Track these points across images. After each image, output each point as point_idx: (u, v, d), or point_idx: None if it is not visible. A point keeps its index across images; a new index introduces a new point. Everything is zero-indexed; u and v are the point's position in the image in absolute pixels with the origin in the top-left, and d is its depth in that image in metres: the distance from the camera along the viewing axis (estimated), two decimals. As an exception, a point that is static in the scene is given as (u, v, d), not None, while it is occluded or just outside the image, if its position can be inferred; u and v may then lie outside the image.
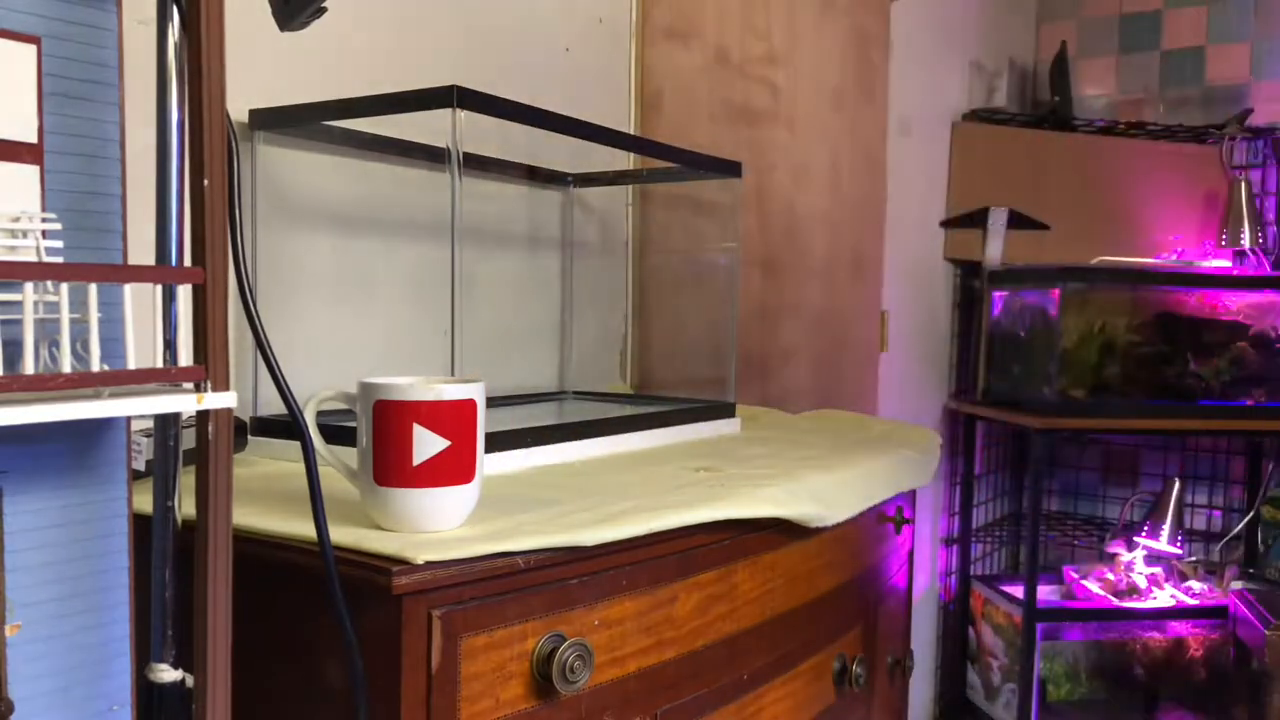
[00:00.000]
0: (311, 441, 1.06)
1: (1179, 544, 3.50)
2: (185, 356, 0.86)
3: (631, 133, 2.09)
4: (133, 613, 0.91)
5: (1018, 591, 3.47)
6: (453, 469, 1.09)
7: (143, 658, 0.93)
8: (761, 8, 2.35)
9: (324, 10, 1.21)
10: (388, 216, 1.88)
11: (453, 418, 1.09)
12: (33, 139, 0.82)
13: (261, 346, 1.03)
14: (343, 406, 1.13)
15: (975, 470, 3.81)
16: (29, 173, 0.82)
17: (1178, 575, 3.54)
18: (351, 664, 1.01)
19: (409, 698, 1.02)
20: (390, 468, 1.08)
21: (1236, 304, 3.29)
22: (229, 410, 0.87)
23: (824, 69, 2.43)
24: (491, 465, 1.44)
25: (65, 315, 0.75)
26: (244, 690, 0.93)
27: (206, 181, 0.84)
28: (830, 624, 1.61)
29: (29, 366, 0.75)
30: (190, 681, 0.90)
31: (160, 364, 0.89)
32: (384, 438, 1.08)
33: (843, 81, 2.48)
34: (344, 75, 1.61)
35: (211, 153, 0.85)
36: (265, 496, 1.24)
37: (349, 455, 1.14)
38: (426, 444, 1.07)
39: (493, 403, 1.98)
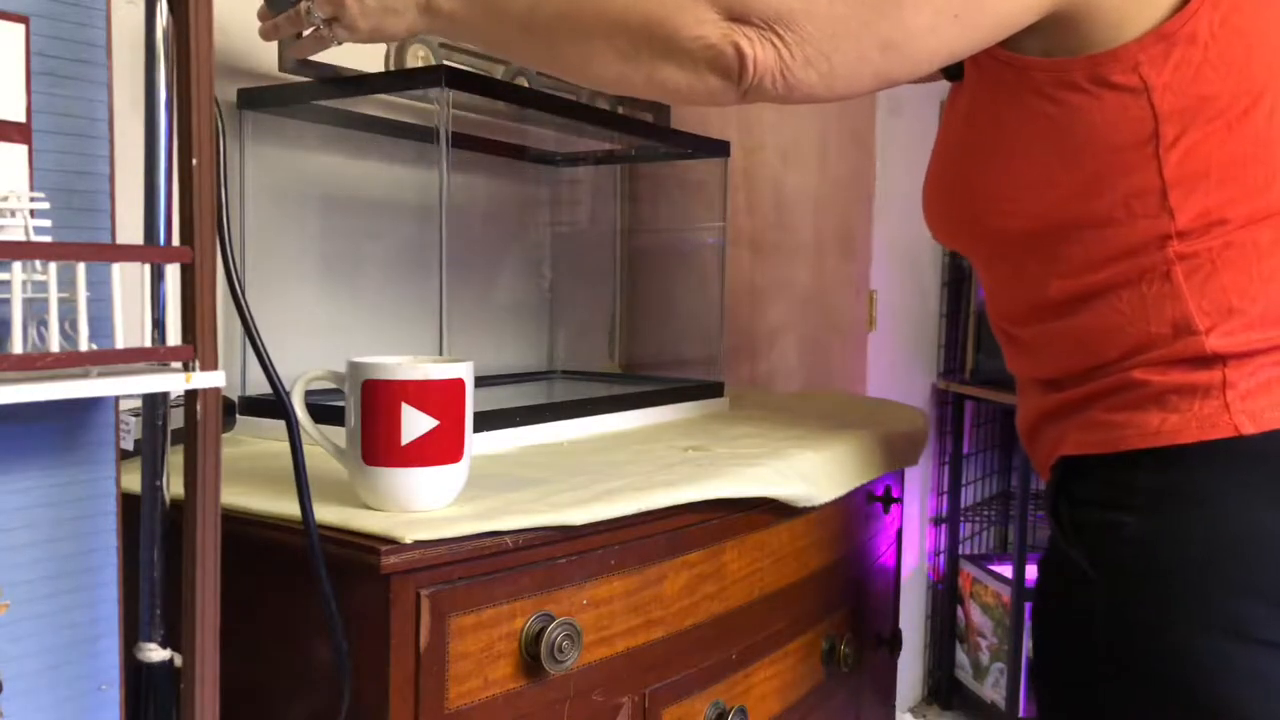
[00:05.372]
0: (297, 421, 1.06)
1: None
2: (173, 336, 0.86)
3: (619, 112, 2.09)
4: (121, 592, 0.91)
5: (1006, 571, 3.48)
6: (441, 448, 1.10)
7: (131, 637, 0.93)
8: (751, -13, 2.35)
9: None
10: (376, 196, 1.87)
11: (441, 397, 1.09)
12: (21, 118, 0.82)
13: (247, 326, 1.03)
14: (331, 386, 1.13)
15: (964, 449, 3.82)
16: (17, 152, 0.82)
17: (1164, 554, 3.55)
18: (336, 643, 1.01)
19: (397, 677, 1.02)
20: (379, 447, 1.08)
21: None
22: (217, 390, 0.87)
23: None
24: (480, 445, 1.44)
25: (53, 295, 0.75)
26: (232, 670, 0.93)
27: (195, 161, 0.84)
28: (818, 604, 1.62)
29: (17, 346, 0.75)
30: (179, 661, 0.90)
31: (148, 343, 0.89)
32: (372, 417, 1.08)
33: (831, 61, 2.47)
34: (332, 53, 1.60)
35: (199, 132, 0.84)
36: (253, 476, 1.24)
37: (338, 435, 1.14)
38: (415, 423, 1.07)
39: (481, 382, 1.98)
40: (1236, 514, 1.06)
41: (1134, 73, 1.07)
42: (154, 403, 0.93)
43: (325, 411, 1.45)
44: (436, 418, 1.09)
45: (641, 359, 2.41)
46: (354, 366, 1.09)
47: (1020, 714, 3.37)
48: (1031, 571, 3.35)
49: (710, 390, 1.96)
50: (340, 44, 1.32)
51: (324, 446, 1.14)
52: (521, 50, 1.23)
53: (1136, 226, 1.10)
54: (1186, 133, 1.07)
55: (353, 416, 1.10)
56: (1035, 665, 1.26)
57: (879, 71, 1.09)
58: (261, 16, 1.37)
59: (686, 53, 1.09)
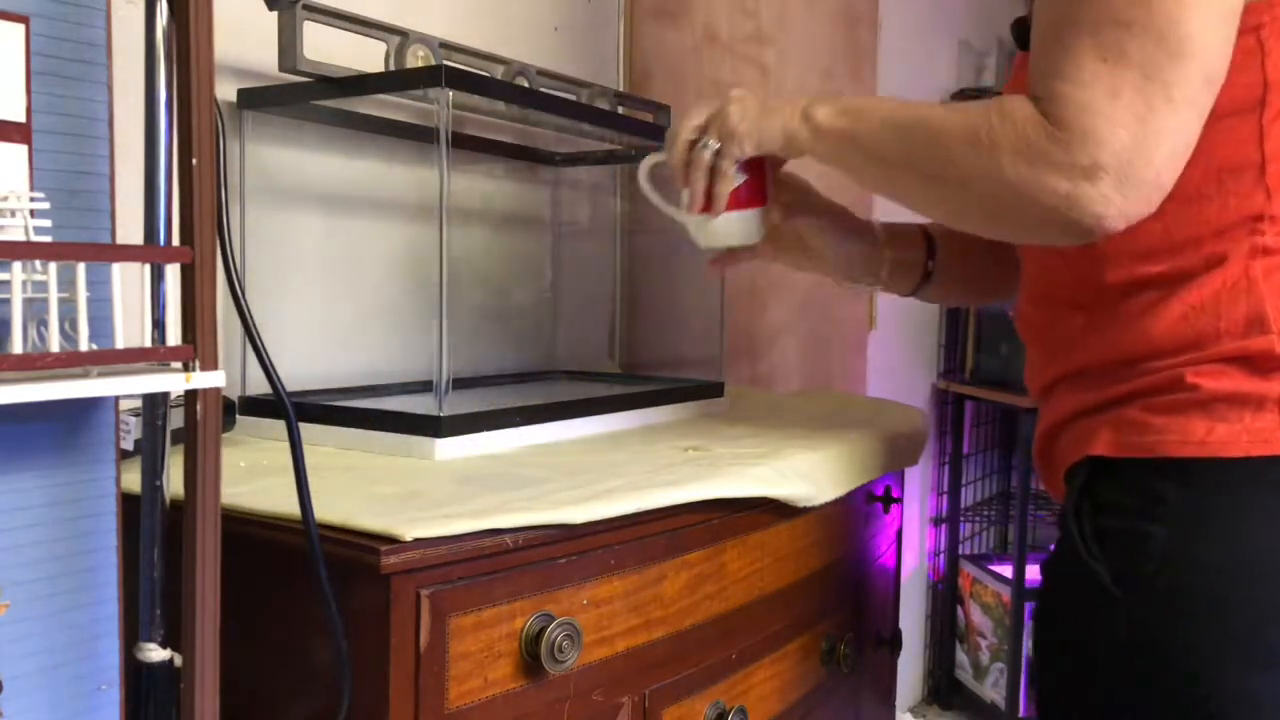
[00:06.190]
0: (296, 421, 1.06)
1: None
2: (174, 336, 0.86)
3: (619, 112, 2.09)
4: (121, 592, 0.91)
5: (1006, 571, 3.48)
6: (753, 195, 1.36)
7: (131, 637, 0.93)
8: (751, -13, 2.35)
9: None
10: (376, 195, 1.87)
11: (750, 160, 1.33)
12: (21, 118, 0.82)
13: (247, 326, 1.03)
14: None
15: (964, 450, 3.82)
16: (17, 152, 0.82)
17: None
18: (336, 643, 1.01)
19: (397, 677, 1.02)
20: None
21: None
22: (217, 390, 0.87)
23: (813, 48, 2.43)
24: (481, 445, 1.44)
25: (54, 295, 0.75)
26: (232, 670, 0.93)
27: (195, 161, 0.84)
28: (818, 604, 1.62)
29: (17, 346, 0.75)
30: (179, 661, 0.90)
31: (149, 343, 0.89)
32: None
33: (831, 61, 2.47)
34: (332, 53, 1.61)
35: (199, 132, 0.84)
36: (253, 476, 1.24)
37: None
38: (736, 180, 1.33)
39: (481, 382, 1.99)
40: (1275, 540, 1.00)
41: (1253, 33, 1.01)
42: (154, 403, 0.93)
43: (325, 411, 1.46)
44: (746, 173, 1.34)
45: (641, 359, 2.41)
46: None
47: (1020, 714, 3.37)
48: (1032, 572, 3.35)
49: (710, 390, 1.96)
50: (736, 184, 1.35)
51: (666, 210, 1.43)
52: (865, 176, 1.24)
53: (1227, 204, 1.04)
54: None
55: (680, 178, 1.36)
56: (1041, 681, 1.19)
57: (1204, 112, 1.00)
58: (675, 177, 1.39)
59: (1037, 222, 1.05)
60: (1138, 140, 0.97)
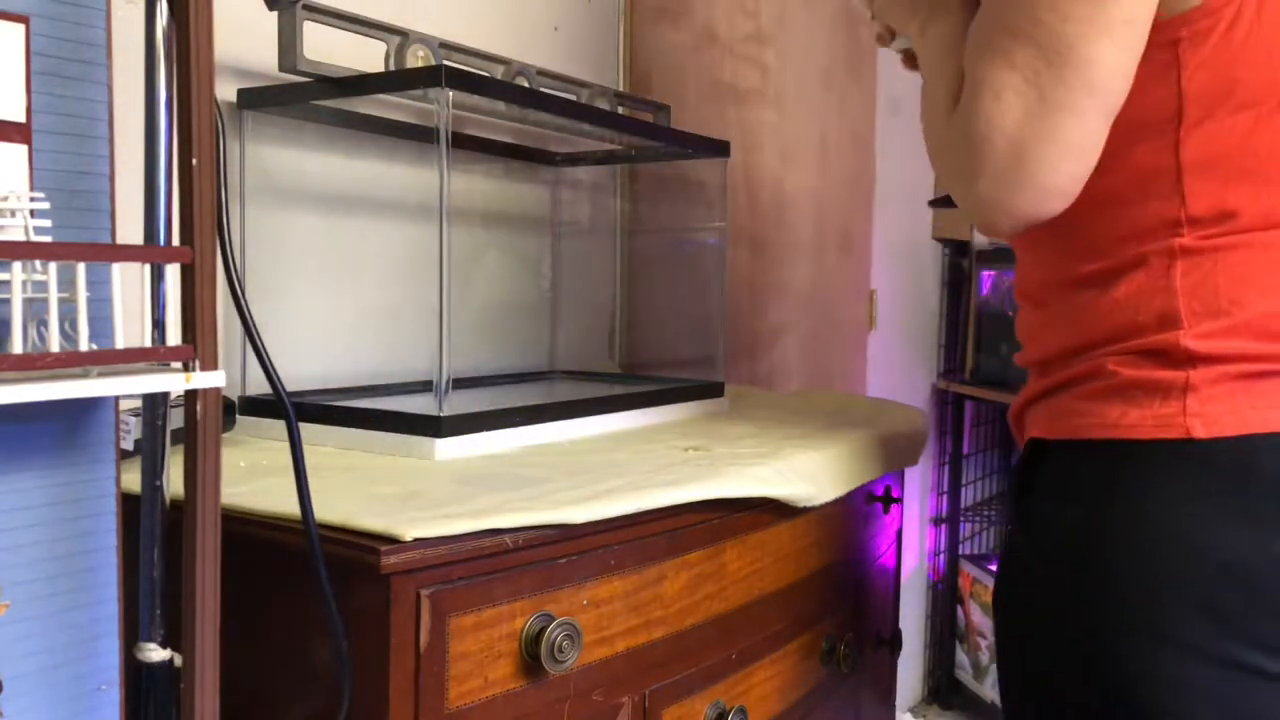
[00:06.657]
0: (295, 421, 1.06)
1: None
2: (174, 336, 0.86)
3: (619, 112, 2.09)
4: (121, 592, 0.91)
5: (1005, 570, 3.47)
6: None
7: (131, 637, 0.93)
8: (751, -13, 2.35)
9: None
10: (376, 196, 1.87)
11: None
12: (21, 118, 0.82)
13: (247, 326, 1.03)
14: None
15: (964, 449, 3.81)
16: (17, 152, 0.82)
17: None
18: (336, 643, 1.01)
19: (397, 677, 1.02)
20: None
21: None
22: (217, 390, 0.87)
23: (813, 48, 2.43)
24: (480, 445, 1.44)
25: (54, 295, 0.75)
26: (232, 670, 0.93)
27: (195, 161, 0.84)
28: (818, 604, 1.62)
29: (17, 346, 0.75)
30: (179, 661, 0.90)
31: (148, 343, 0.89)
32: None
33: (831, 60, 2.47)
34: (332, 54, 1.61)
35: (199, 132, 0.84)
36: (253, 476, 1.24)
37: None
38: None
39: (481, 382, 1.98)
40: (1170, 517, 1.05)
41: (1170, 48, 1.04)
42: (154, 403, 0.93)
43: (325, 411, 1.45)
44: None
45: (641, 359, 2.41)
46: None
47: (1020, 714, 3.36)
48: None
49: (710, 390, 1.96)
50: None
51: (866, 16, 1.45)
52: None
53: (1148, 208, 1.08)
54: (1212, 117, 1.05)
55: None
56: (996, 654, 1.25)
57: (1091, 118, 1.05)
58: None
59: (967, 212, 1.13)
60: (1014, 143, 1.05)
